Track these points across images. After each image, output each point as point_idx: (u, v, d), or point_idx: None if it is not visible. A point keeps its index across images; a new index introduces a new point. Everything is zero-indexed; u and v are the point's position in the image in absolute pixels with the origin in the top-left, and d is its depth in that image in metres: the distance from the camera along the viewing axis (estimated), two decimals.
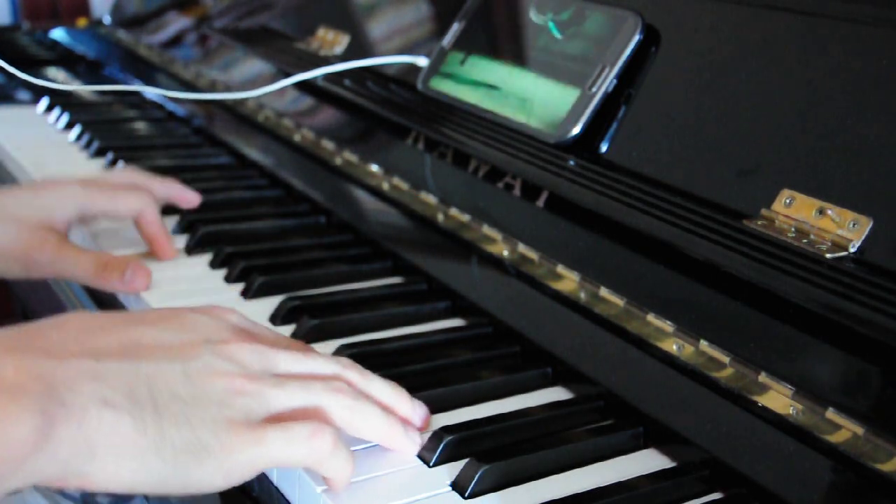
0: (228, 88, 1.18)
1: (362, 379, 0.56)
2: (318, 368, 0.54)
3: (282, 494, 0.55)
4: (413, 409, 0.57)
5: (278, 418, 0.50)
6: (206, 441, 0.47)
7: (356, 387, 0.55)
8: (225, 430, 0.48)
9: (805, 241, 0.55)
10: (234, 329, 0.54)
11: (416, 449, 0.55)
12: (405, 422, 0.56)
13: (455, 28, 0.87)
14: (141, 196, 0.82)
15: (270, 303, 0.74)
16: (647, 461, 0.57)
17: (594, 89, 0.72)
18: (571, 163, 0.71)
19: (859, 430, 0.49)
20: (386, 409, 0.55)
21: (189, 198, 0.88)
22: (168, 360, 0.49)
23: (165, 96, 1.28)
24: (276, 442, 0.49)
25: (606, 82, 0.71)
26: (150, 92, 1.30)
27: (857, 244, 0.54)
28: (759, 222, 0.58)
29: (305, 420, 0.50)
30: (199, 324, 0.53)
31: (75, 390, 0.44)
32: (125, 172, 0.89)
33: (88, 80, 1.45)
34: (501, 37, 0.84)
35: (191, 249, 0.85)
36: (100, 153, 1.12)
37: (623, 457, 0.57)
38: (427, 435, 0.56)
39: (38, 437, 0.42)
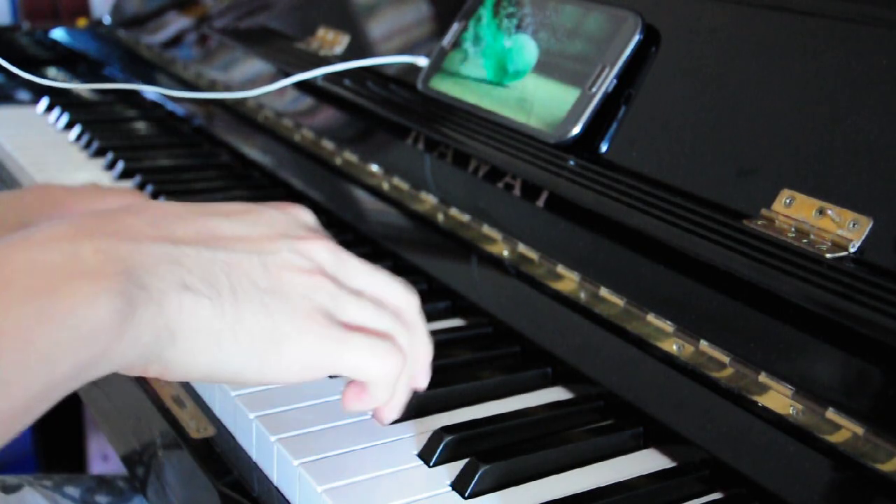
0: (229, 88, 1.18)
1: (419, 313, 0.55)
2: (387, 290, 0.53)
3: (282, 495, 0.55)
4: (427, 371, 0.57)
5: (356, 328, 0.50)
6: (284, 329, 0.46)
7: (416, 319, 0.55)
8: (304, 319, 0.47)
9: (805, 241, 0.55)
10: (309, 227, 0.53)
11: (392, 419, 0.55)
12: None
13: (455, 28, 0.87)
14: (125, 198, 0.80)
15: None
16: (647, 461, 0.57)
17: (594, 89, 0.71)
18: (571, 163, 0.71)
19: (859, 430, 0.49)
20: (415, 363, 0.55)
21: None
22: (246, 251, 0.48)
23: (165, 96, 1.28)
24: (360, 347, 0.49)
25: (606, 82, 0.71)
26: (150, 90, 1.30)
27: (857, 244, 0.54)
28: (759, 222, 0.58)
29: (384, 338, 0.50)
30: (275, 219, 0.51)
31: (154, 273, 0.43)
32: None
33: (88, 80, 1.45)
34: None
35: None
36: (100, 153, 1.12)
37: (623, 457, 0.57)
38: (426, 434, 0.56)
39: (120, 319, 0.41)
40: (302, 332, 0.47)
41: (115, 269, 0.42)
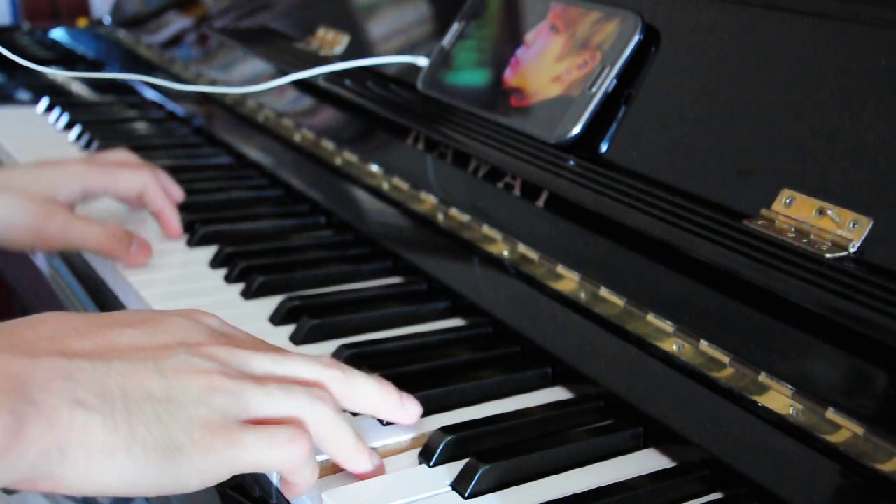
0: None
1: (346, 379, 0.54)
2: (300, 370, 0.53)
3: (282, 495, 0.55)
4: (401, 406, 0.56)
5: (255, 422, 0.49)
6: (178, 440, 0.46)
7: (341, 387, 0.53)
8: (199, 429, 0.46)
9: (805, 241, 0.55)
10: (211, 332, 0.53)
11: (371, 467, 0.53)
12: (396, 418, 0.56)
13: (455, 28, 0.87)
14: (141, 173, 0.85)
15: (270, 303, 0.74)
16: (647, 461, 0.57)
17: (594, 89, 0.71)
18: (571, 163, 0.71)
19: (859, 430, 0.49)
20: (372, 411, 0.55)
21: (175, 192, 0.89)
22: (142, 359, 0.48)
23: (165, 95, 1.28)
24: (254, 445, 0.48)
25: (606, 82, 0.71)
26: (149, 81, 1.30)
27: (857, 244, 0.54)
28: (759, 222, 0.58)
29: (284, 425, 0.49)
30: (175, 326, 0.51)
31: (46, 389, 0.43)
32: (120, 152, 0.91)
33: (88, 80, 1.45)
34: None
35: (193, 244, 0.85)
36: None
37: (623, 457, 0.57)
38: (426, 434, 0.56)
39: (8, 436, 0.41)
40: (196, 442, 0.46)
41: (5, 385, 0.42)
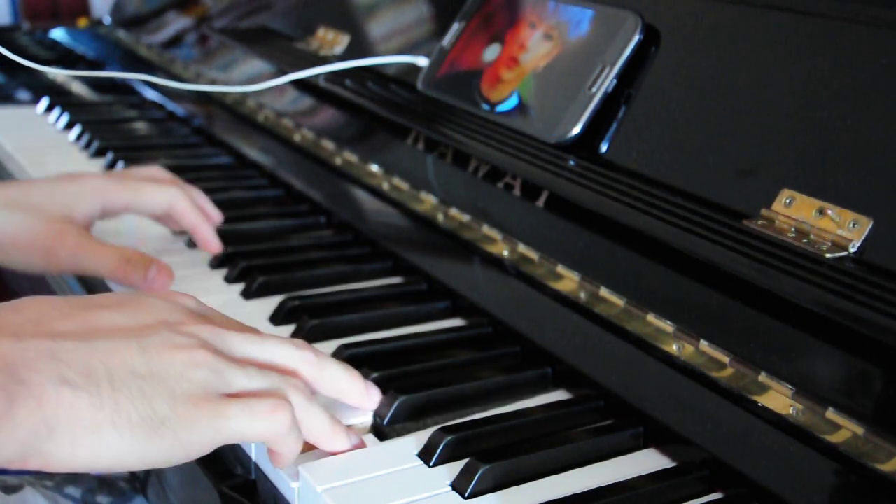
0: None
1: (318, 361, 0.56)
2: (276, 353, 0.55)
3: (282, 495, 0.55)
4: (367, 394, 0.58)
5: (236, 395, 0.50)
6: (162, 414, 0.47)
7: (313, 369, 0.56)
8: (183, 402, 0.48)
9: (805, 241, 0.55)
10: (190, 313, 0.54)
11: (348, 445, 0.55)
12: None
13: (455, 28, 0.87)
14: (167, 189, 0.80)
15: (270, 303, 0.74)
16: (647, 461, 0.57)
17: (594, 89, 0.71)
18: (571, 163, 0.71)
19: (859, 430, 0.49)
20: (340, 395, 0.57)
21: (211, 212, 0.84)
22: (125, 338, 0.49)
23: (164, 93, 1.28)
24: (237, 415, 0.49)
25: (606, 82, 0.71)
26: (149, 80, 1.30)
27: (857, 244, 0.54)
28: (759, 222, 0.58)
29: (265, 396, 0.51)
30: (155, 307, 0.53)
31: (34, 369, 0.45)
32: (150, 168, 0.85)
33: (88, 80, 1.45)
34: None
35: (192, 245, 0.85)
36: (100, 153, 1.12)
37: (623, 457, 0.57)
38: (426, 434, 0.56)
39: None
40: (180, 415, 0.48)
41: None
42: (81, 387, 0.45)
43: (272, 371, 0.53)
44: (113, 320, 0.50)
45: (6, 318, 0.48)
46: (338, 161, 0.95)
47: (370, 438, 0.58)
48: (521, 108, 0.77)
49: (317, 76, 1.00)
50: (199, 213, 0.81)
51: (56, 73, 1.28)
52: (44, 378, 0.45)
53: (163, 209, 0.80)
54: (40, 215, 0.75)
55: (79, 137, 1.18)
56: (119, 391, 0.46)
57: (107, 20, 1.66)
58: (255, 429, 0.50)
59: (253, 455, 0.57)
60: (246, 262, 0.79)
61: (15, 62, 1.13)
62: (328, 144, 0.97)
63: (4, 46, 1.15)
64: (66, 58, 1.56)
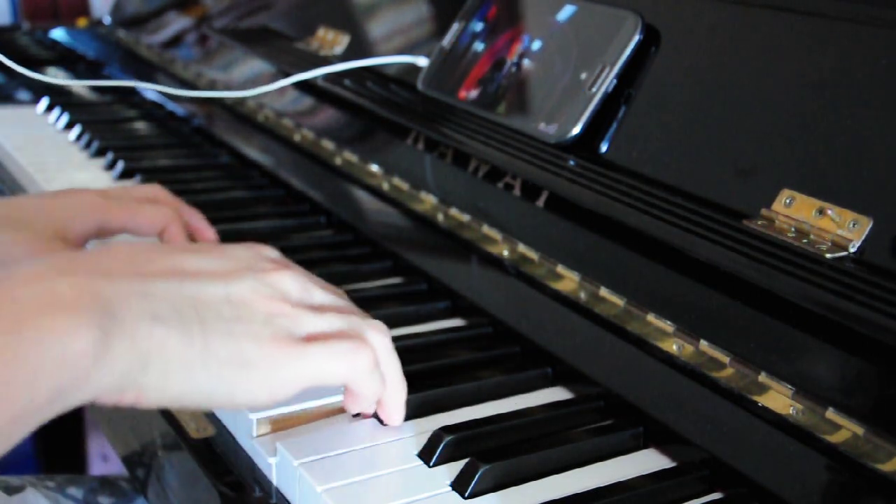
0: (228, 88, 1.18)
1: (391, 350, 0.57)
2: (354, 310, 0.57)
3: (282, 494, 0.55)
4: (399, 410, 0.59)
5: (318, 338, 0.52)
6: (249, 354, 0.49)
7: (385, 354, 0.56)
8: (268, 344, 0.49)
9: (805, 241, 0.55)
10: (273, 261, 0.56)
11: (401, 420, 0.58)
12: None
13: (455, 28, 0.87)
14: (163, 211, 0.78)
15: None
16: (647, 461, 0.57)
17: (594, 89, 0.71)
18: (571, 163, 0.71)
19: (859, 430, 0.49)
20: (384, 391, 0.57)
21: (205, 231, 0.82)
22: (212, 283, 0.50)
23: (165, 96, 1.28)
24: (318, 355, 0.51)
25: (606, 82, 0.71)
26: (148, 88, 1.30)
27: (857, 244, 0.54)
28: (759, 222, 0.58)
29: (345, 338, 0.52)
30: (240, 254, 0.54)
31: (127, 306, 0.45)
32: (148, 187, 0.83)
33: (89, 80, 1.45)
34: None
35: None
36: (100, 153, 1.12)
37: (623, 457, 0.57)
38: (426, 434, 0.56)
39: (98, 349, 0.43)
40: (265, 357, 0.49)
41: (91, 302, 0.44)
42: (173, 324, 0.47)
43: (347, 315, 0.55)
44: (200, 265, 0.51)
45: (98, 260, 0.48)
46: (338, 161, 0.95)
47: (372, 422, 0.58)
48: (521, 108, 0.77)
49: (317, 76, 1.00)
50: (186, 238, 0.79)
51: (52, 80, 1.28)
52: (136, 315, 0.45)
53: (156, 231, 0.78)
54: (31, 233, 0.71)
55: (79, 137, 1.18)
56: (208, 330, 0.48)
57: (107, 20, 1.66)
58: (335, 369, 0.51)
59: (274, 480, 0.56)
60: None
61: (15, 61, 1.13)
62: (328, 144, 0.97)
63: (4, 46, 1.15)
64: (66, 58, 1.56)
